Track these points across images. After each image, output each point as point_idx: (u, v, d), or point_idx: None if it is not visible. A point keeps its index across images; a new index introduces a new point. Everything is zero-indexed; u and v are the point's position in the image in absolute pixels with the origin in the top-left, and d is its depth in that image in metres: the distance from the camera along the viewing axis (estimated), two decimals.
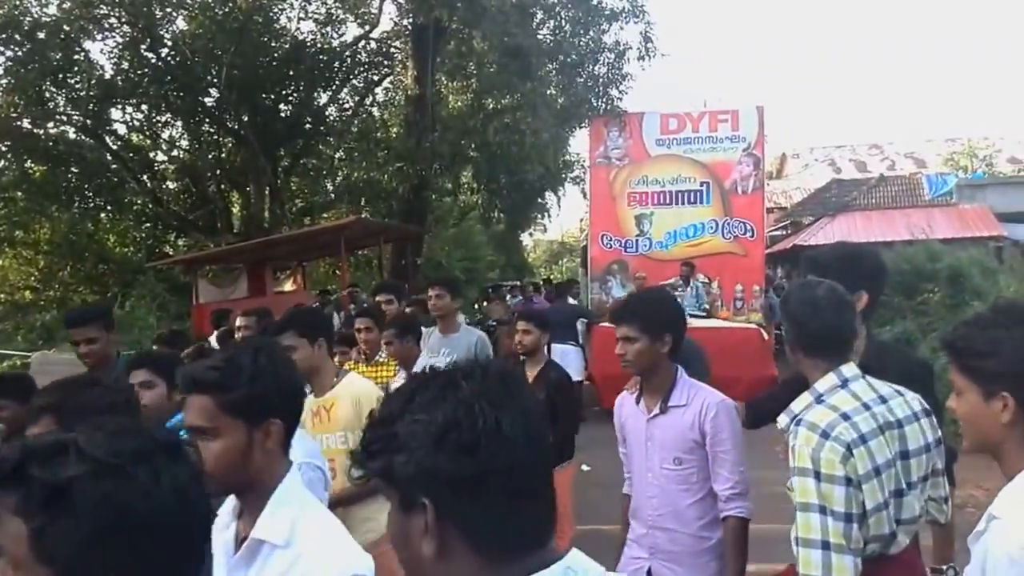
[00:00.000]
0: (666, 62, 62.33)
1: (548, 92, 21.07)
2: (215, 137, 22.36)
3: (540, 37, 20.63)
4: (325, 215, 22.50)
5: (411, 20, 18.96)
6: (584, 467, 9.48)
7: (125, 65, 20.64)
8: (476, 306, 20.62)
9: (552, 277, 26.67)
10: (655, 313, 3.25)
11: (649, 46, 20.56)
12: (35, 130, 19.88)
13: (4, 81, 18.97)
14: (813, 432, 2.34)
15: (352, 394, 3.83)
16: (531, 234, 38.39)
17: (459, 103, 22.30)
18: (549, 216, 32.14)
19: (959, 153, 34.37)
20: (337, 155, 22.98)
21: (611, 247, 15.67)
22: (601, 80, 19.60)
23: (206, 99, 21.26)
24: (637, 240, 15.52)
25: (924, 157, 36.24)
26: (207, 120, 21.76)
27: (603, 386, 11.29)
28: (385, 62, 22.39)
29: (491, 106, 21.11)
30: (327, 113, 22.56)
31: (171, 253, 21.38)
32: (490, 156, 20.83)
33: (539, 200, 28.56)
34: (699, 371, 5.69)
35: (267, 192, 21.32)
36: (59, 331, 16.01)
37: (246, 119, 20.50)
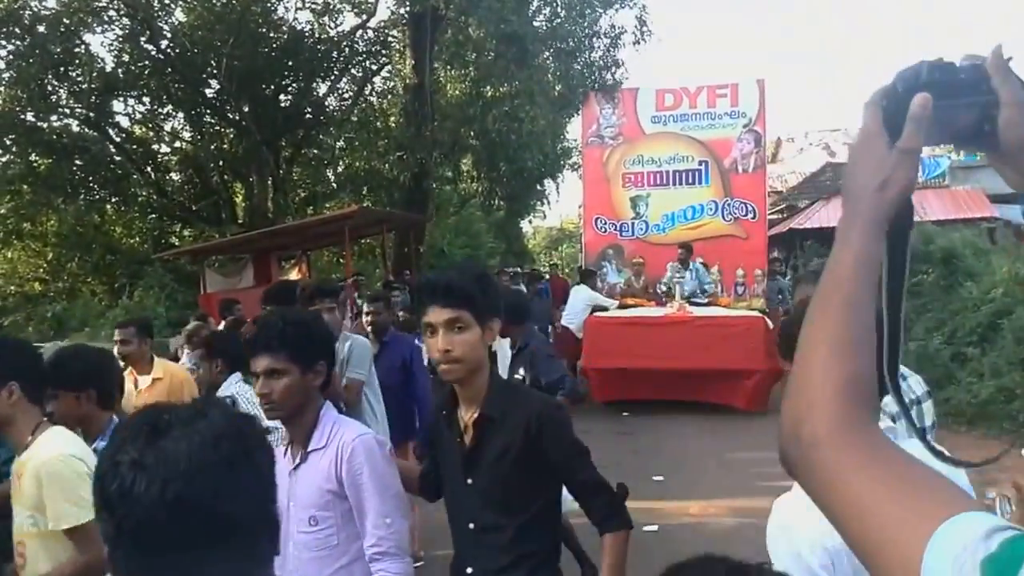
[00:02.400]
0: (661, 46, 62.29)
1: (545, 79, 21.21)
2: (217, 128, 22.53)
3: (536, 24, 20.74)
4: (328, 205, 22.69)
5: (408, 9, 19.02)
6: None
7: (125, 58, 20.78)
8: None
9: (555, 263, 26.79)
10: (307, 337, 2.66)
11: (644, 30, 20.70)
12: (39, 123, 20.05)
13: (6, 75, 19.14)
14: None
15: (34, 467, 2.79)
16: (531, 221, 38.57)
17: (457, 91, 22.43)
18: (548, 203, 32.36)
19: None
20: (338, 145, 23.14)
21: (606, 231, 14.84)
22: (597, 66, 19.74)
23: (207, 90, 21.41)
24: (633, 223, 14.65)
25: None
26: (208, 111, 21.92)
27: (595, 379, 11.27)
28: (383, 51, 22.50)
29: (489, 94, 21.25)
30: (327, 103, 22.72)
31: (177, 244, 21.59)
32: (489, 144, 20.98)
33: (538, 187, 28.70)
34: (551, 368, 5.78)
35: (270, 182, 21.50)
36: (69, 321, 16.29)
37: (247, 110, 20.65)
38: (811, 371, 0.99)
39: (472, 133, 20.79)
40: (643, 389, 10.97)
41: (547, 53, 21.59)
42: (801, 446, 0.96)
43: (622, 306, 12.52)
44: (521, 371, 5.77)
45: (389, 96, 23.24)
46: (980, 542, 0.77)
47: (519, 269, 21.20)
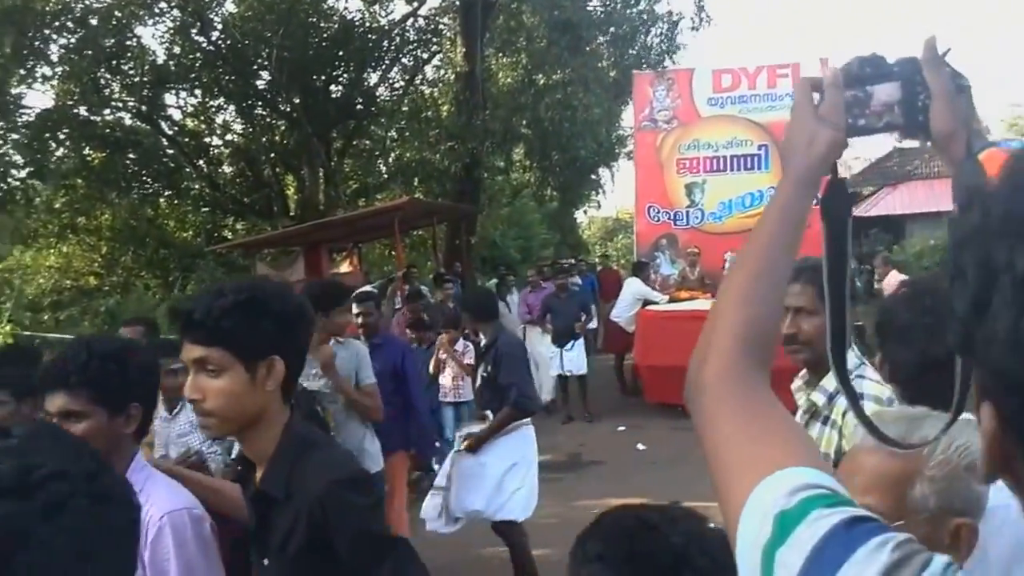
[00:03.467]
0: (718, 27, 61.38)
1: (599, 65, 20.95)
2: (268, 120, 22.71)
3: (590, 9, 20.52)
4: (379, 196, 22.73)
5: None
6: (640, 446, 9.54)
7: (177, 50, 21.03)
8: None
9: (607, 254, 26.47)
10: (118, 374, 2.14)
11: (703, 14, 20.35)
12: (92, 117, 20.37)
13: (60, 69, 19.45)
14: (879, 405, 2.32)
15: None
16: (585, 211, 38.28)
17: (509, 79, 22.28)
18: (603, 192, 32.04)
19: None
20: (389, 135, 23.15)
21: (659, 220, 14.29)
22: (653, 51, 19.43)
23: (258, 82, 21.59)
24: (688, 212, 14.09)
25: (987, 123, 35.27)
26: (259, 103, 22.09)
27: (648, 378, 10.94)
28: (434, 39, 22.46)
29: (542, 82, 21.06)
30: (378, 93, 22.75)
31: (229, 237, 21.80)
32: (542, 133, 20.77)
33: (592, 176, 28.36)
34: (511, 370, 5.65)
35: (321, 174, 21.61)
36: (123, 315, 16.51)
37: (298, 101, 20.76)
38: (716, 318, 1.05)
39: (524, 121, 20.61)
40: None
41: (601, 39, 21.36)
42: (694, 390, 1.02)
43: (675, 299, 12.04)
44: (488, 368, 5.74)
45: (440, 85, 23.20)
46: (784, 497, 0.82)
47: (572, 260, 20.98)
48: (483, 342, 6.15)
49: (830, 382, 2.50)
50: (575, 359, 11.20)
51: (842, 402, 2.42)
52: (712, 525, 1.29)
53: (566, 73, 19.98)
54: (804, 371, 2.72)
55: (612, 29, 21.30)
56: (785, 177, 1.12)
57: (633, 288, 12.46)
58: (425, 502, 5.67)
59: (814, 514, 0.80)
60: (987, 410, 0.67)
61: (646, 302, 11.99)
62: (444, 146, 19.24)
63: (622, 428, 10.55)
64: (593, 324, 12.74)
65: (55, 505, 0.82)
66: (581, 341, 11.40)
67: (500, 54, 22.34)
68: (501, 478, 5.46)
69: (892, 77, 1.06)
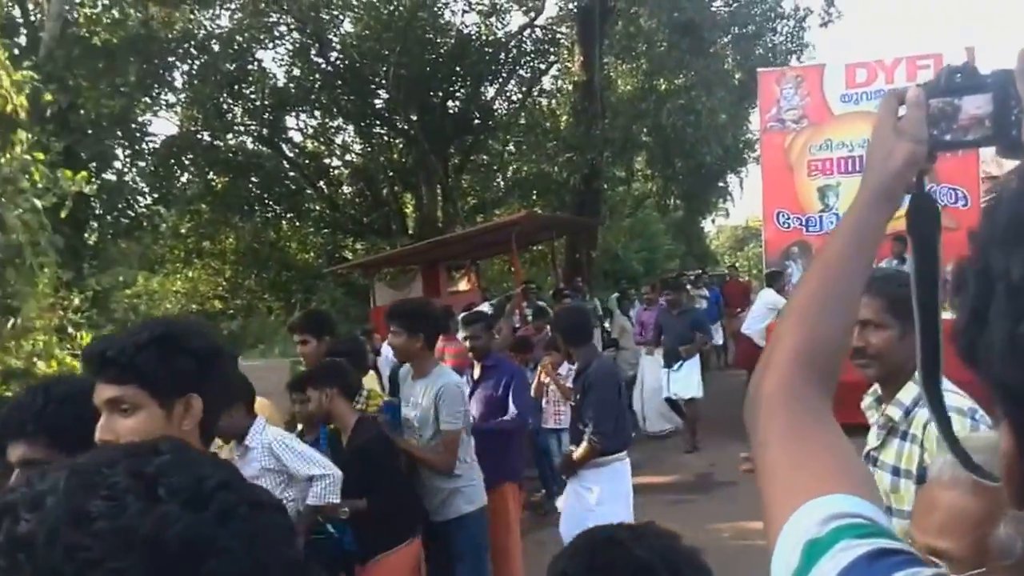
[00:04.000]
0: (849, 21, 59.15)
1: (723, 67, 20.18)
2: (386, 139, 22.80)
3: (713, 9, 19.78)
4: (497, 211, 22.46)
5: (576, 3, 18.49)
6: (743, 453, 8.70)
7: (296, 72, 21.34)
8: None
9: (735, 265, 25.38)
10: (76, 420, 1.90)
11: (832, 10, 19.39)
12: (215, 142, 20.82)
13: (183, 96, 19.93)
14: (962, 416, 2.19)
15: None
16: (713, 220, 37.04)
17: (629, 86, 21.69)
18: (731, 200, 30.73)
19: None
20: (506, 149, 22.89)
21: (789, 226, 13.56)
22: (779, 50, 18.52)
23: (375, 101, 21.69)
24: (821, 217, 13.24)
25: None
26: (377, 122, 22.19)
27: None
28: (551, 49, 22.12)
29: (663, 87, 20.39)
30: (495, 107, 22.52)
31: (349, 257, 21.93)
32: (664, 140, 20.08)
33: (719, 184, 27.40)
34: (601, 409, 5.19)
35: (439, 191, 21.49)
36: (246, 338, 16.68)
37: (415, 118, 20.73)
38: (779, 333, 1.05)
39: (645, 129, 19.99)
40: (844, 408, 9.68)
41: (725, 39, 20.56)
42: (751, 405, 1.01)
43: None
44: (576, 397, 5.45)
45: (558, 96, 22.81)
46: (817, 525, 0.81)
47: (698, 272, 20.15)
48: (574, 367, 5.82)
49: (907, 395, 2.44)
50: (682, 380, 10.50)
51: (922, 415, 2.35)
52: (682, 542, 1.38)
53: (688, 76, 19.33)
54: (874, 387, 2.62)
55: (735, 29, 20.51)
56: (861, 191, 1.08)
57: (766, 299, 11.82)
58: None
59: (841, 544, 0.78)
60: (1004, 428, 0.65)
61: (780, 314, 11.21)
62: (562, 158, 18.83)
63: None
64: (718, 340, 12.00)
65: (227, 513, 0.83)
66: (693, 361, 10.70)
67: (619, 60, 21.82)
68: (590, 512, 5.04)
69: (984, 89, 1.00)
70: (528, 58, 22.48)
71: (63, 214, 7.70)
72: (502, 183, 23.34)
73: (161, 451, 0.86)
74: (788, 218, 13.56)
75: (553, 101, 22.93)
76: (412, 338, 4.72)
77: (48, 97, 10.87)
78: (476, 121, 21.71)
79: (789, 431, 0.94)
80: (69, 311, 9.64)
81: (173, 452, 0.94)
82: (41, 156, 7.19)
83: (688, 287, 17.10)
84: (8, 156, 6.64)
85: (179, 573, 0.77)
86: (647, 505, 8.45)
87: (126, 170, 18.34)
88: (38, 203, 6.82)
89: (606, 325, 16.50)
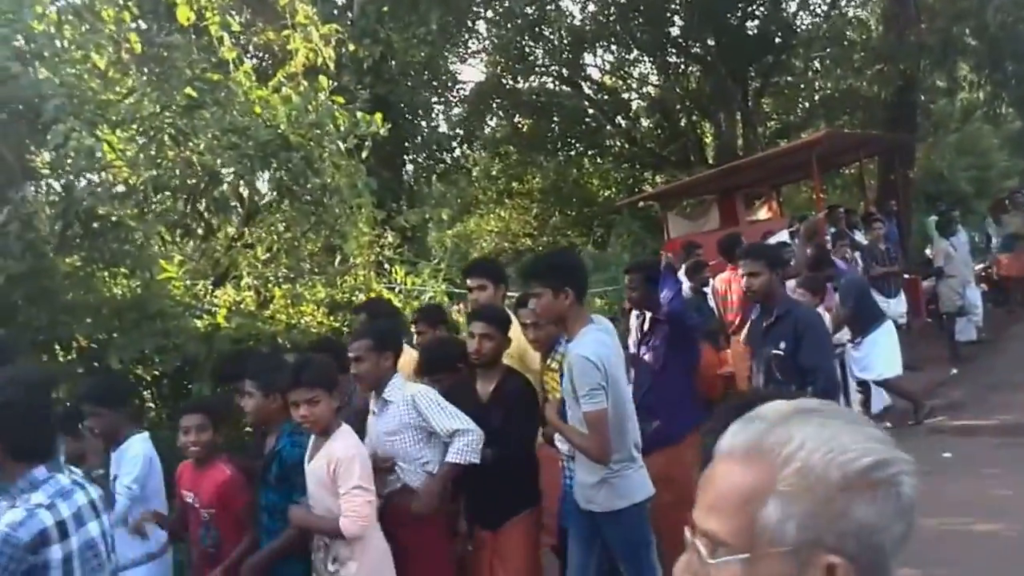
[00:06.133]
0: None
1: None
2: (682, 68, 22.58)
3: None
4: (802, 135, 21.56)
5: None
6: (945, 454, 7.89)
7: (592, 8, 21.64)
8: (989, 219, 18.35)
9: None
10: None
11: None
12: (518, 86, 21.86)
13: (487, 42, 21.09)
14: None
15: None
16: None
17: None
18: None
19: None
20: (810, 67, 21.79)
21: None
22: None
23: (671, 29, 21.44)
24: None
25: None
26: (673, 51, 22.02)
27: None
28: None
29: None
30: (796, 23, 21.39)
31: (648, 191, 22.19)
32: (991, 41, 18.01)
33: None
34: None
35: (738, 118, 21.01)
36: None
37: (712, 44, 20.34)
38: None
39: (968, 30, 18.03)
40: None
41: None
42: None
43: None
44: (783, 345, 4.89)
45: (867, 4, 21.22)
46: None
47: None
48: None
49: None
50: None
51: None
52: None
53: None
54: None
55: None
56: None
57: None
58: None
59: None
60: None
61: None
62: (872, 70, 17.62)
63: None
64: None
65: None
66: None
67: None
68: None
69: None
70: None
71: (364, 154, 8.51)
72: (806, 104, 22.29)
73: None
74: None
75: (861, 10, 21.37)
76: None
77: (354, 49, 12.11)
78: (777, 40, 20.81)
79: None
80: (385, 248, 10.81)
81: None
82: (341, 100, 8.00)
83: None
84: (314, 103, 7.47)
85: None
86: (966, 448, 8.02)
87: (437, 116, 19.90)
88: (341, 145, 7.69)
89: (927, 252, 15.47)
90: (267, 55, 12.84)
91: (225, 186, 6.51)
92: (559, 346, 4.61)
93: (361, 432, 4.53)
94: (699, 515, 1.07)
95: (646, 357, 5.72)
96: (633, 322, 6.22)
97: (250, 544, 4.29)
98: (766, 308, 5.14)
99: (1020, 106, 21.05)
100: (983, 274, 14.63)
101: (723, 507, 1.05)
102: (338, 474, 3.88)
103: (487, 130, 22.72)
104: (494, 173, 23.43)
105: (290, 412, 4.03)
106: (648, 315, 5.81)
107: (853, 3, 21.81)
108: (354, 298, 9.23)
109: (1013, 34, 17.05)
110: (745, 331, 6.66)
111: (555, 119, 22.56)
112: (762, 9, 21.08)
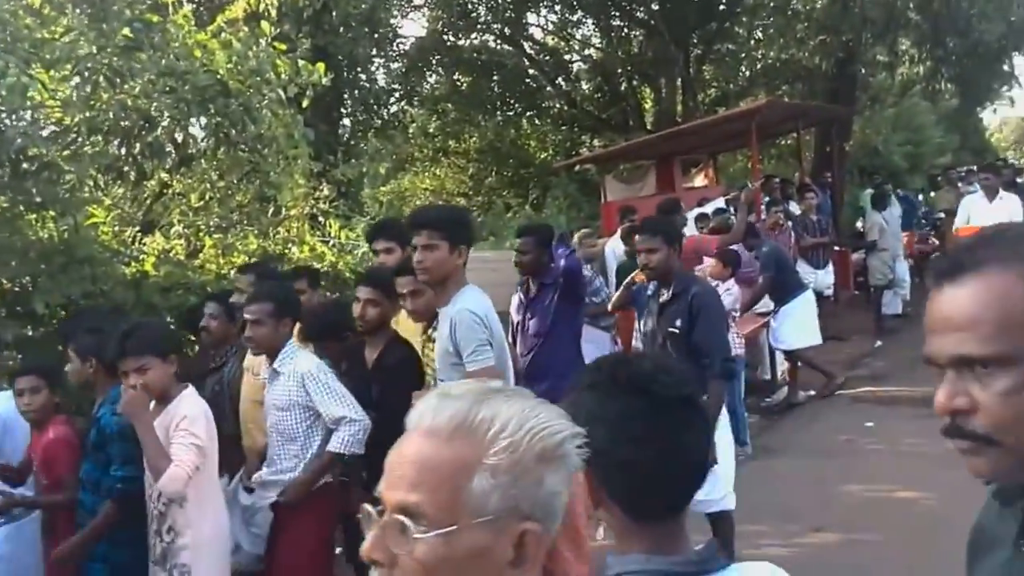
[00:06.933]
0: None
1: None
2: (625, 32, 22.73)
3: None
4: (741, 103, 21.96)
5: None
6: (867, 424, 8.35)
7: None
8: (921, 196, 19.02)
9: (1006, 159, 22.90)
10: None
11: None
12: (459, 42, 21.80)
13: None
14: None
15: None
16: (995, 110, 33.54)
17: None
18: (1018, 84, 27.58)
19: None
20: (753, 35, 22.12)
21: None
22: None
23: None
24: None
25: None
26: (617, 14, 22.10)
27: None
28: None
29: None
30: None
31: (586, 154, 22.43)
32: (934, 16, 18.42)
33: (1002, 66, 24.72)
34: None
35: (679, 84, 21.28)
36: (480, 231, 17.77)
37: (655, 7, 20.48)
38: None
39: (911, 5, 18.42)
40: None
41: None
42: None
43: None
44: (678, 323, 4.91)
45: None
46: None
47: (974, 168, 18.67)
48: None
49: None
50: None
51: None
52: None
53: None
54: None
55: None
56: None
57: None
58: None
59: None
60: None
61: None
62: (814, 41, 17.98)
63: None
64: None
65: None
66: None
67: None
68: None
69: None
70: None
71: (304, 104, 8.31)
72: (747, 73, 22.65)
73: None
74: None
75: None
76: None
77: None
78: (721, 7, 21.08)
79: None
80: (320, 201, 10.85)
81: None
82: (283, 47, 7.98)
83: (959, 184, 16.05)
84: (254, 49, 7.43)
85: None
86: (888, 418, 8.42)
87: (376, 70, 19.79)
88: (282, 93, 7.69)
89: (858, 225, 15.99)
90: (208, 1, 12.69)
91: (160, 131, 6.48)
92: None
93: (224, 402, 4.57)
94: (395, 492, 1.11)
95: (531, 322, 5.75)
96: (515, 296, 6.27)
97: (60, 505, 4.21)
98: (663, 285, 5.08)
99: (958, 83, 21.59)
100: (912, 248, 15.21)
101: (429, 481, 1.11)
102: (178, 430, 3.79)
103: (426, 87, 22.65)
104: (431, 131, 23.41)
105: (119, 376, 3.92)
106: (537, 281, 5.88)
107: None
108: (287, 250, 9.34)
109: (956, 10, 17.48)
110: (616, 297, 6.89)
111: (495, 78, 22.56)
112: None
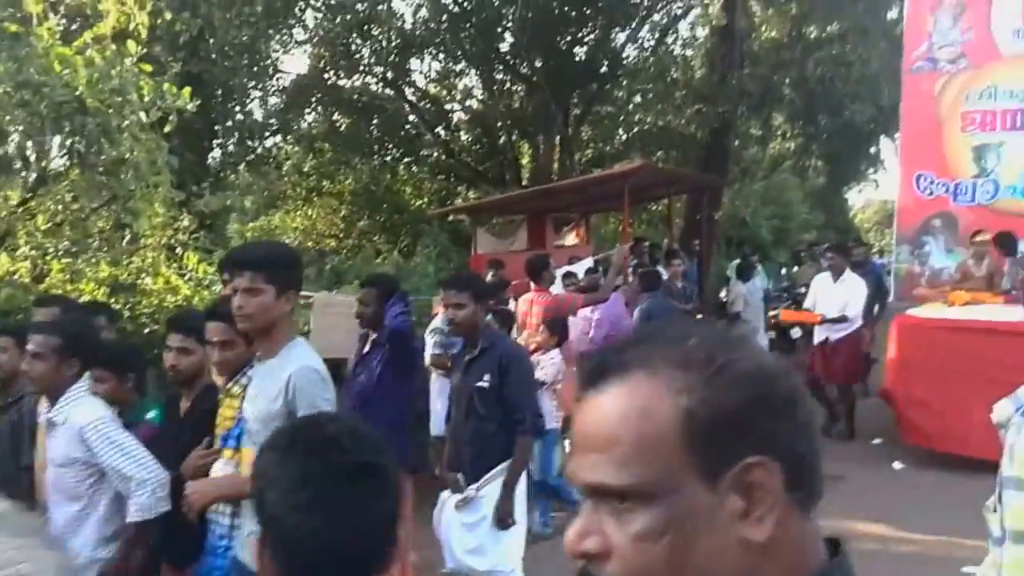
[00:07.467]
0: None
1: (884, 14, 19.35)
2: (507, 86, 23.14)
3: None
4: (616, 165, 22.60)
5: None
6: (896, 464, 8.43)
7: (424, 14, 21.85)
8: (784, 271, 19.79)
9: (860, 238, 23.87)
10: None
11: None
12: (340, 83, 21.76)
13: (314, 34, 20.88)
14: None
15: None
16: (860, 191, 35.50)
17: (774, 32, 20.90)
18: (883, 167, 28.80)
19: None
20: (632, 99, 22.85)
21: (932, 194, 11.59)
22: None
23: (500, 45, 21.92)
24: (975, 184, 11.29)
25: None
26: (500, 68, 22.53)
27: (904, 409, 8.50)
28: None
29: (812, 35, 19.68)
30: (624, 54, 22.39)
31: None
32: (808, 94, 19.37)
33: (869, 148, 26.11)
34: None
35: (557, 142, 21.73)
36: (348, 274, 17.59)
37: (539, 64, 20.94)
38: None
39: (788, 80, 19.31)
40: (976, 438, 6.88)
41: None
42: None
43: (950, 303, 9.32)
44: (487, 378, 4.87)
45: (693, 44, 22.48)
46: None
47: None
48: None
49: None
50: None
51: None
52: None
53: (842, 25, 18.43)
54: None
55: None
56: None
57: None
58: None
59: None
60: None
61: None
62: (691, 109, 18.70)
63: (878, 441, 9.31)
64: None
65: None
66: None
67: (765, 7, 21.13)
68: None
69: None
70: (664, 1, 22.21)
71: (167, 128, 8.04)
72: (624, 136, 23.34)
73: None
74: (932, 183, 11.68)
75: (688, 49, 22.61)
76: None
77: (171, 19, 11.74)
78: (603, 69, 21.72)
79: None
80: (180, 232, 10.54)
81: None
82: (149, 68, 7.78)
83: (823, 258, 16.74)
84: (119, 68, 7.21)
85: None
86: None
87: (252, 103, 19.53)
88: (143, 116, 7.48)
89: (721, 295, 16.54)
90: (78, 18, 12.32)
91: (12, 146, 6.22)
92: (248, 368, 3.66)
93: (23, 433, 4.18)
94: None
95: (359, 379, 5.61)
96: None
97: None
98: (470, 341, 4.99)
99: (827, 161, 22.71)
100: (772, 321, 15.76)
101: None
102: None
103: (304, 124, 22.47)
104: (306, 169, 23.17)
105: None
106: (372, 338, 5.68)
107: (680, 41, 23.06)
108: (139, 280, 9.03)
109: (830, 89, 18.44)
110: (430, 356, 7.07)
111: (375, 121, 22.55)
112: (592, 36, 21.96)
